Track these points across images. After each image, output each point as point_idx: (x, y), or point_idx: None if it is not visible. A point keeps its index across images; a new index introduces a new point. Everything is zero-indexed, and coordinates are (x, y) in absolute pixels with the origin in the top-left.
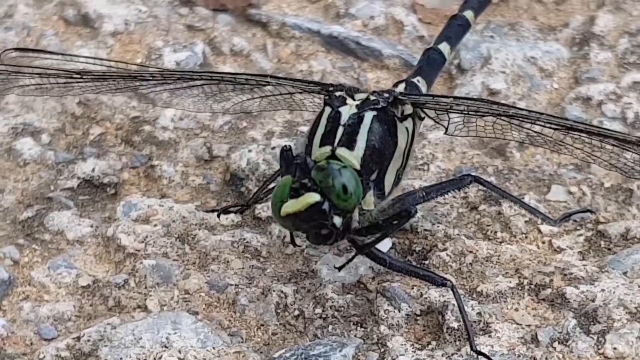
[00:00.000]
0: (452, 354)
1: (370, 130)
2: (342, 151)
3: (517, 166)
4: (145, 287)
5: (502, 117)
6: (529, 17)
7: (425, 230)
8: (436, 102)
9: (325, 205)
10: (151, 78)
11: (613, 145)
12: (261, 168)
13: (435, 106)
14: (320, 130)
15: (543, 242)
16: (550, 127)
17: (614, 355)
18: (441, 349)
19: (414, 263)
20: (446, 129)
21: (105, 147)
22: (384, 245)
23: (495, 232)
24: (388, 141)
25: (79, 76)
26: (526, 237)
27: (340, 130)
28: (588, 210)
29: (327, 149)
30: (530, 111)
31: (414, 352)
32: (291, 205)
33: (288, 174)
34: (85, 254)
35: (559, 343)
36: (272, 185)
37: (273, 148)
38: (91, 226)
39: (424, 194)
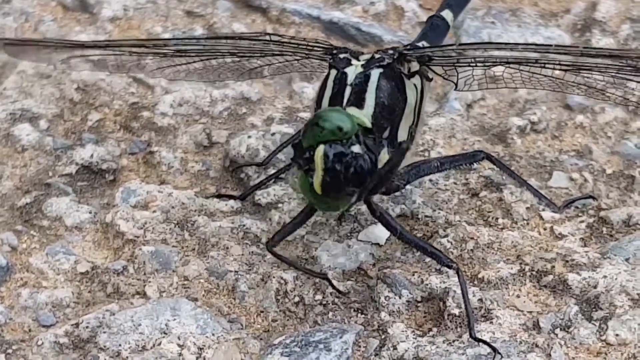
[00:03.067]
0: (454, 341)
1: (378, 88)
2: (351, 110)
3: (519, 152)
4: (144, 274)
5: (511, 65)
6: (530, 3)
7: (426, 216)
8: (442, 53)
9: (334, 146)
10: (153, 47)
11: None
12: (261, 154)
13: (441, 59)
14: (328, 92)
15: (544, 229)
16: (560, 69)
17: (616, 341)
18: (442, 336)
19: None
20: (456, 85)
21: (104, 133)
22: (384, 232)
23: (497, 218)
24: (397, 97)
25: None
26: (527, 224)
27: (348, 90)
28: (590, 197)
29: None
30: (537, 44)
31: (415, 338)
32: (316, 177)
33: (298, 171)
34: (84, 240)
35: (560, 330)
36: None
37: (273, 134)
38: (90, 212)
39: (439, 163)
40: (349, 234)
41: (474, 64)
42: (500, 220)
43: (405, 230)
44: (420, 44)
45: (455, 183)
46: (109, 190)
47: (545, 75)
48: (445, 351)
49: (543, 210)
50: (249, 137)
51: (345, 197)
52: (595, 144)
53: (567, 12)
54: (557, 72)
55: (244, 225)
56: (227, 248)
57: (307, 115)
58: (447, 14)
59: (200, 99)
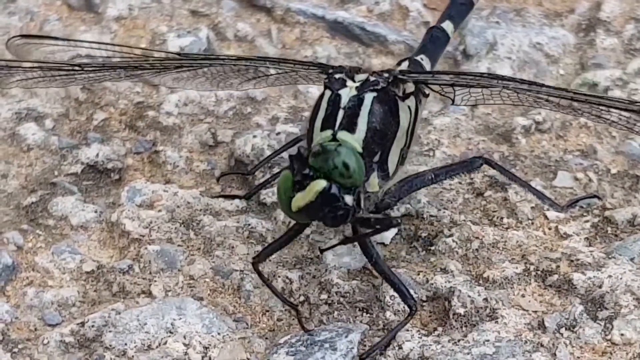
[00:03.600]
0: (459, 340)
1: (370, 112)
2: (343, 135)
3: (523, 152)
4: (150, 273)
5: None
6: (535, 3)
7: (431, 216)
8: (436, 80)
9: (334, 188)
10: (150, 67)
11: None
12: (266, 153)
13: (438, 82)
14: (321, 114)
15: (549, 228)
16: (554, 96)
17: (621, 341)
18: (447, 335)
19: (394, 272)
20: (453, 100)
21: (109, 132)
22: (390, 232)
23: (502, 218)
24: (389, 121)
25: (79, 68)
26: (532, 223)
27: (341, 113)
28: (595, 196)
29: (328, 133)
30: (531, 83)
31: (420, 338)
32: (301, 198)
33: (286, 169)
34: (90, 240)
35: (566, 329)
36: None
37: (278, 134)
38: (95, 211)
39: (433, 176)
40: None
41: (472, 85)
42: (505, 220)
43: (380, 259)
44: (419, 58)
45: (460, 182)
46: (115, 190)
47: (540, 98)
48: (451, 350)
49: (548, 210)
50: (254, 136)
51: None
52: (600, 143)
53: (571, 12)
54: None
55: (249, 225)
56: (233, 247)
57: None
58: (447, 25)
59: (206, 99)
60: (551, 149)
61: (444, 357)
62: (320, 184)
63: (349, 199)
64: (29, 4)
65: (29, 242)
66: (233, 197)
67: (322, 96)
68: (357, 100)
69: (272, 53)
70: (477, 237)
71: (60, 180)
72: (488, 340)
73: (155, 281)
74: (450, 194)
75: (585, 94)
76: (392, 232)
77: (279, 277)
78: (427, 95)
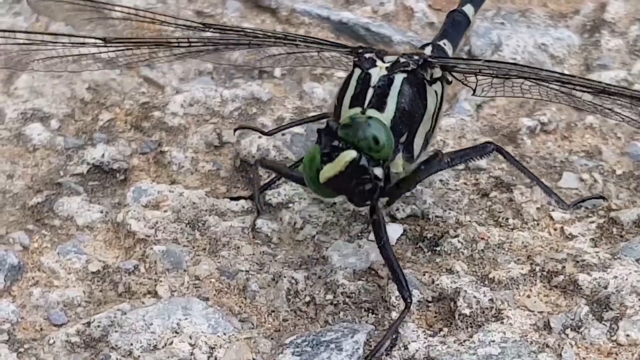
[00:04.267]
0: (464, 341)
1: (400, 93)
2: (372, 112)
3: (529, 153)
4: (156, 273)
5: (532, 79)
6: (540, 4)
7: (436, 216)
8: (467, 65)
9: (363, 160)
10: (177, 45)
11: None
12: (271, 154)
13: (464, 69)
14: (350, 91)
15: (555, 229)
16: (581, 90)
17: (627, 342)
18: (453, 336)
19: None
20: (474, 90)
21: (114, 132)
22: (395, 232)
23: (507, 218)
24: (418, 104)
25: (101, 42)
26: (538, 224)
27: (370, 91)
28: (601, 197)
29: (357, 110)
30: (561, 74)
31: (426, 338)
32: (330, 169)
33: (315, 143)
34: (95, 240)
35: (571, 330)
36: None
37: (283, 134)
38: (101, 212)
39: (449, 159)
40: (359, 234)
41: (494, 75)
42: (510, 221)
43: (389, 245)
44: (441, 43)
45: (465, 183)
46: (120, 190)
47: (563, 92)
48: (456, 351)
49: (553, 210)
50: (260, 137)
51: (337, 196)
52: (605, 144)
53: (576, 13)
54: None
55: (254, 225)
56: (238, 248)
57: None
58: (468, 9)
59: (211, 99)
60: (556, 149)
61: (450, 357)
62: (351, 154)
63: (378, 171)
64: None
65: (35, 242)
66: (238, 198)
67: (351, 75)
68: (387, 80)
69: (277, 54)
70: (482, 238)
71: (66, 181)
72: (494, 341)
73: (161, 281)
74: (455, 195)
75: (617, 86)
76: (398, 232)
77: (285, 277)
78: (450, 82)
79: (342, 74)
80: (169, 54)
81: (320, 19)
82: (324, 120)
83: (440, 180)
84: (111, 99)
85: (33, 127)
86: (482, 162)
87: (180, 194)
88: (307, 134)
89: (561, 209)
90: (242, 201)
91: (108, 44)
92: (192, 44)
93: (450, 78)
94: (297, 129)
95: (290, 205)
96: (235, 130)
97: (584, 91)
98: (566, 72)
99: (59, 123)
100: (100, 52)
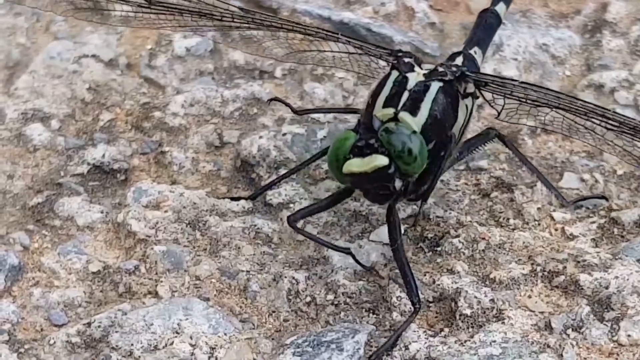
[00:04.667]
0: (465, 341)
1: (434, 100)
2: (405, 115)
3: (530, 153)
4: (156, 273)
5: (560, 110)
6: (541, 4)
7: (437, 217)
8: (502, 84)
9: (392, 169)
10: (219, 18)
11: None
12: (272, 154)
13: (497, 89)
14: (385, 92)
15: (556, 229)
16: (608, 128)
17: (628, 342)
18: (454, 336)
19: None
20: (499, 113)
21: (115, 133)
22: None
23: (508, 219)
24: (450, 114)
25: (146, 3)
26: (539, 224)
27: (406, 95)
28: (602, 197)
29: (390, 110)
30: (596, 106)
31: (427, 338)
32: (357, 165)
33: (349, 129)
34: (96, 240)
35: (572, 330)
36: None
37: (284, 134)
38: (101, 212)
39: (458, 154)
40: (360, 234)
41: (524, 99)
42: (511, 221)
43: (402, 248)
44: (472, 52)
45: (466, 183)
46: (121, 190)
47: (587, 128)
48: (457, 351)
49: (554, 210)
50: (260, 137)
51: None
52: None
53: (577, 13)
54: (598, 128)
55: (255, 225)
56: (239, 248)
57: (318, 115)
58: (500, 8)
59: (212, 99)
60: (557, 150)
61: (451, 357)
62: (383, 160)
63: (398, 184)
64: (35, 4)
65: (35, 242)
66: (239, 198)
67: (387, 76)
68: (424, 86)
69: (280, 54)
70: (483, 238)
71: (67, 181)
72: (495, 341)
73: (161, 281)
74: (456, 195)
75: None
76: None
77: (285, 277)
78: (477, 98)
79: (343, 74)
80: (210, 24)
81: (322, 19)
82: (358, 115)
83: (441, 181)
84: (112, 99)
85: (33, 127)
86: (483, 162)
87: (180, 194)
88: (307, 134)
89: (561, 205)
90: (242, 201)
91: (152, 6)
92: (235, 19)
93: (478, 94)
94: (298, 130)
95: (291, 205)
96: (269, 101)
97: (610, 126)
98: (568, 72)
99: (60, 123)
100: (142, 12)
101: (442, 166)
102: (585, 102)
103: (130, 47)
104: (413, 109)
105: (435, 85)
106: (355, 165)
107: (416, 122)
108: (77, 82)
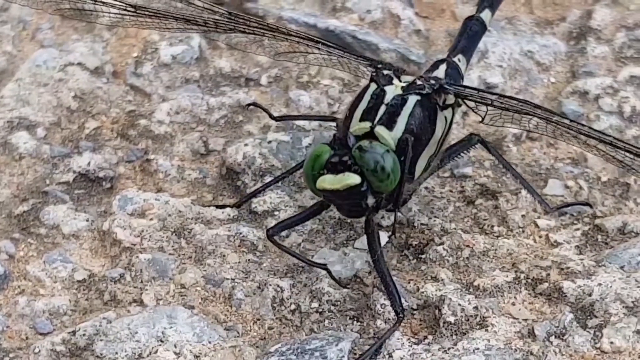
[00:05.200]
0: (449, 348)
1: (411, 114)
2: (380, 129)
3: (514, 160)
4: (141, 282)
5: (542, 118)
6: (526, 11)
7: (422, 224)
8: (480, 98)
9: (364, 187)
10: (203, 24)
11: None
12: (257, 162)
13: (477, 100)
14: (363, 105)
15: (540, 237)
16: (591, 137)
17: (611, 349)
18: (438, 343)
19: (391, 273)
20: (483, 119)
21: (101, 141)
22: (380, 240)
23: (492, 226)
24: (426, 128)
25: (132, 9)
26: (523, 231)
27: (383, 108)
28: (586, 204)
29: (367, 124)
30: (571, 121)
31: (411, 346)
32: (329, 182)
33: (324, 143)
34: (81, 248)
35: (555, 337)
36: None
37: (269, 142)
38: (87, 220)
39: (439, 162)
40: (345, 242)
41: (506, 109)
42: (495, 228)
43: (383, 258)
44: (456, 59)
45: (451, 191)
46: (106, 198)
47: (569, 133)
48: (441, 359)
49: (539, 218)
50: (246, 144)
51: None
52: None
53: (562, 20)
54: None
55: (240, 233)
56: (224, 256)
57: (303, 123)
58: (486, 15)
59: (197, 107)
60: (542, 156)
61: None
62: (355, 179)
63: (371, 201)
64: (21, 12)
65: (21, 250)
66: (224, 206)
67: (366, 88)
68: (401, 100)
69: (265, 61)
70: (467, 246)
71: (52, 189)
72: (478, 349)
73: (146, 290)
74: (441, 202)
75: (623, 142)
76: (383, 240)
77: (270, 285)
78: (460, 106)
79: (328, 82)
80: (196, 29)
81: (308, 26)
82: (335, 124)
83: (426, 188)
84: (97, 107)
85: (19, 135)
86: (468, 170)
87: (166, 202)
88: (292, 142)
89: (545, 211)
90: (227, 209)
91: (138, 10)
92: (219, 27)
93: (461, 102)
94: (283, 137)
95: (276, 213)
96: (247, 105)
97: (592, 137)
98: (552, 79)
99: (45, 131)
100: (129, 15)
101: (404, 171)
102: (561, 117)
103: (116, 54)
104: (389, 123)
105: (412, 99)
106: (328, 182)
107: (392, 136)
108: (63, 90)
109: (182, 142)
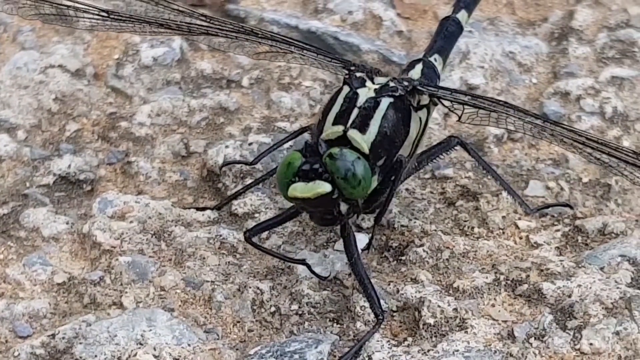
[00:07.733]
0: (428, 350)
1: (384, 117)
2: (353, 133)
3: (495, 161)
4: (121, 284)
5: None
6: (508, 12)
7: (402, 226)
8: (453, 98)
9: (335, 195)
10: (177, 28)
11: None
12: (237, 165)
13: (451, 100)
14: (336, 108)
15: (520, 238)
16: (560, 136)
17: (590, 350)
18: (417, 345)
19: (372, 277)
20: (460, 117)
21: (81, 143)
22: (361, 242)
23: (473, 227)
24: (400, 130)
25: (106, 15)
26: (503, 233)
27: (355, 112)
28: (567, 205)
29: (340, 128)
30: (545, 121)
31: (390, 348)
32: (300, 190)
33: (297, 150)
34: (61, 251)
35: (535, 339)
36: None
37: (250, 144)
38: (67, 223)
39: (416, 163)
40: (325, 244)
41: (481, 108)
42: (476, 230)
43: (360, 262)
44: (432, 59)
45: (431, 192)
46: (87, 201)
47: (545, 131)
48: None
49: (519, 219)
50: (227, 146)
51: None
52: (572, 152)
53: (544, 21)
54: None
55: (220, 236)
56: (204, 258)
57: (284, 124)
58: (462, 16)
59: (178, 109)
60: (523, 157)
61: None
62: (325, 187)
63: (343, 208)
64: (1, 15)
65: (0, 253)
66: (204, 208)
67: (339, 91)
68: (374, 103)
69: (246, 63)
70: (447, 247)
71: (32, 192)
72: (457, 350)
73: (126, 292)
74: (421, 204)
75: (597, 141)
76: (363, 242)
77: (250, 287)
78: (436, 104)
79: (310, 83)
80: (170, 32)
81: (289, 28)
82: (310, 133)
83: (407, 189)
84: (78, 109)
85: None
86: (449, 171)
87: (146, 205)
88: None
89: (525, 212)
90: (208, 211)
91: (111, 15)
92: (192, 31)
93: (437, 102)
94: (264, 139)
95: (257, 215)
96: (220, 168)
97: (564, 137)
98: (534, 80)
99: (26, 134)
100: (104, 21)
101: (393, 190)
102: (535, 116)
103: (97, 57)
104: (362, 127)
105: (385, 102)
106: (299, 190)
107: (365, 139)
108: (44, 93)
109: (163, 144)
